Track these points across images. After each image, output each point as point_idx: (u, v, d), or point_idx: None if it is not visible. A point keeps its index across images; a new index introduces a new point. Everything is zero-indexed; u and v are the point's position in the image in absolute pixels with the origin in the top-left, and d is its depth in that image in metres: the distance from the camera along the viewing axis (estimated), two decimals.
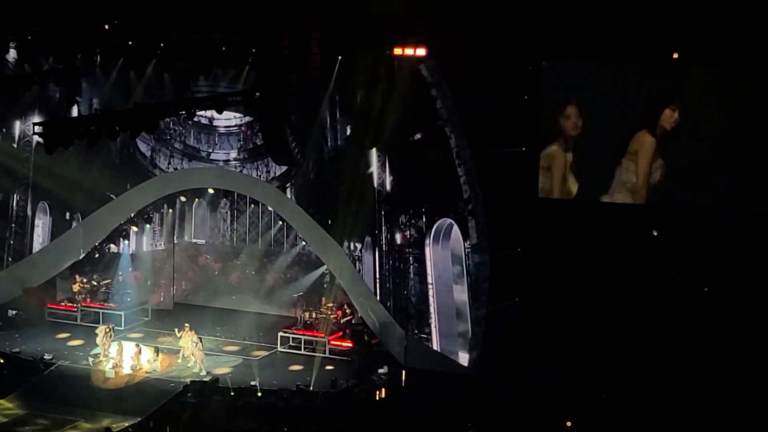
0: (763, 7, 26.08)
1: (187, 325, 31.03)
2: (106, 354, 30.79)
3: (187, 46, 29.92)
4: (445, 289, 32.41)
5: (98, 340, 31.16)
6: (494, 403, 27.97)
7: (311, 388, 28.91)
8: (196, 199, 36.96)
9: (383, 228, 33.01)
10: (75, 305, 34.85)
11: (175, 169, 37.27)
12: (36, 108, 34.56)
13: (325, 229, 33.42)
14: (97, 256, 36.13)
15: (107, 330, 31.25)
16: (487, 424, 26.58)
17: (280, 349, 32.56)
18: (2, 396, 28.60)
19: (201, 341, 30.66)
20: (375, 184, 32.65)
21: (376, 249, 33.37)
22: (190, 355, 30.45)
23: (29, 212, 36.81)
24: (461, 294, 32.03)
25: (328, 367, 30.76)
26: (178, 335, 30.92)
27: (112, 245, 36.41)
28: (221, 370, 30.43)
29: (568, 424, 25.58)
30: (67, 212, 37.04)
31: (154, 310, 35.61)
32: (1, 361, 30.43)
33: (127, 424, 26.56)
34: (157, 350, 30.70)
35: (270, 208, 35.66)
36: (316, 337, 32.17)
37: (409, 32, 28.91)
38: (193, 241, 38.01)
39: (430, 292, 32.48)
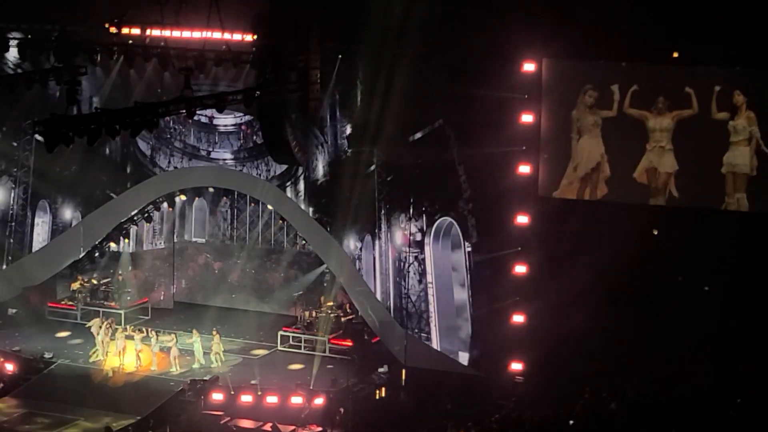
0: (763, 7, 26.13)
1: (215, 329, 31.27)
2: (107, 351, 30.85)
3: (188, 45, 29.90)
4: (445, 288, 32.41)
5: (95, 332, 31.20)
6: (494, 402, 27.97)
7: (311, 387, 28.91)
8: (196, 198, 36.97)
9: (383, 227, 33.03)
10: (75, 304, 34.89)
11: (176, 167, 37.29)
12: (36, 106, 34.56)
13: (325, 228, 33.47)
14: (97, 254, 36.15)
15: (107, 324, 31.34)
16: (487, 423, 26.57)
17: (280, 348, 32.60)
18: (2, 395, 28.62)
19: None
20: (375, 183, 32.65)
21: (376, 248, 33.39)
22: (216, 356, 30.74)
23: (29, 211, 36.82)
24: (461, 293, 32.02)
25: (328, 366, 30.78)
26: (217, 340, 30.93)
27: (112, 244, 36.43)
28: (221, 369, 30.46)
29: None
30: (68, 211, 37.07)
31: (154, 309, 35.65)
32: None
33: (126, 423, 26.57)
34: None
35: (270, 207, 35.68)
36: (316, 336, 32.20)
37: (409, 31, 28.88)
38: (193, 239, 38.03)
39: (430, 291, 32.49)
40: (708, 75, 27.84)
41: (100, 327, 31.30)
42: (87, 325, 31.94)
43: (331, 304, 33.40)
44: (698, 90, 27.97)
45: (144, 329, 31.56)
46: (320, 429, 27.00)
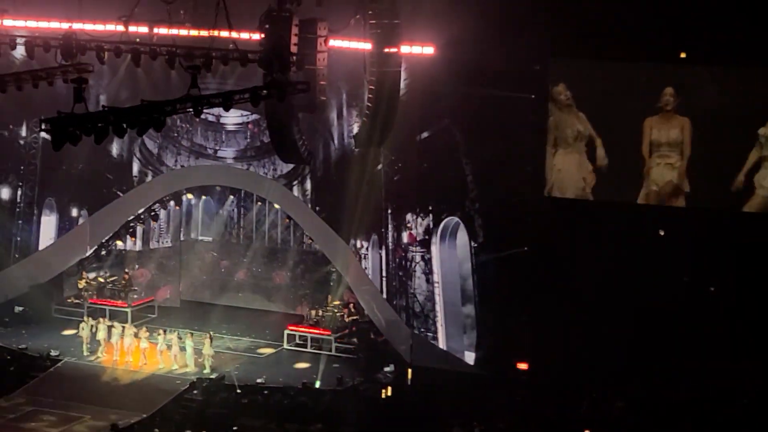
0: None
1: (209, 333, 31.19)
2: (104, 350, 30.97)
3: (195, 43, 29.93)
4: (451, 288, 32.38)
5: (85, 335, 31.26)
6: (500, 401, 27.95)
7: (317, 386, 28.91)
8: (203, 197, 37.00)
9: (390, 226, 33.02)
10: (81, 302, 34.96)
11: (182, 166, 37.33)
12: (43, 104, 34.59)
13: (331, 227, 33.47)
14: (103, 253, 36.23)
15: (104, 325, 31.46)
16: (493, 423, 26.57)
17: (286, 346, 32.61)
18: (9, 392, 28.67)
19: (211, 338, 30.77)
20: (382, 183, 32.64)
21: (383, 247, 33.38)
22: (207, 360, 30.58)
23: (36, 209, 36.91)
24: (467, 293, 31.99)
25: (334, 365, 30.79)
26: (207, 343, 30.76)
27: (119, 242, 36.53)
28: (227, 368, 30.47)
29: None
30: (74, 208, 37.14)
31: (161, 307, 35.71)
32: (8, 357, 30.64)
33: (133, 421, 26.60)
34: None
35: (276, 206, 35.70)
36: (323, 334, 32.22)
37: (416, 30, 28.85)
38: (200, 238, 38.06)
39: (437, 291, 32.46)
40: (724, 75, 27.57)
41: (92, 329, 31.40)
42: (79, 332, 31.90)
43: (337, 303, 33.44)
44: (716, 90, 27.58)
45: (147, 327, 31.65)
46: (324, 427, 26.97)
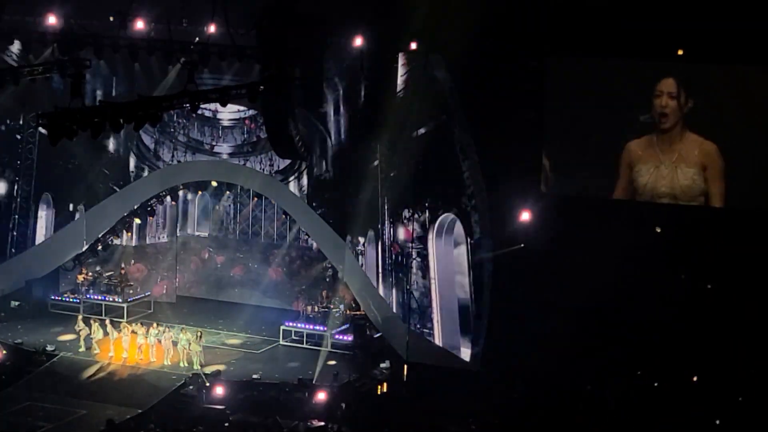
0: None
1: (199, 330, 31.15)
2: (95, 342, 30.98)
3: (192, 39, 29.92)
4: (447, 284, 32.38)
5: (83, 334, 31.24)
6: (496, 398, 27.97)
7: (313, 382, 28.92)
8: (199, 192, 36.98)
9: (386, 222, 33.02)
10: (78, 297, 34.96)
11: (179, 161, 37.32)
12: (40, 99, 34.59)
13: (328, 223, 33.48)
14: (100, 247, 36.20)
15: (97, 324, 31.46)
16: (488, 420, 26.58)
17: (282, 342, 32.60)
18: (5, 386, 28.66)
19: (201, 335, 30.74)
20: (378, 179, 32.63)
21: (379, 243, 33.38)
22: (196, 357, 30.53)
23: (33, 203, 36.89)
24: (464, 289, 32.00)
25: (330, 361, 30.78)
26: (195, 340, 30.67)
27: (115, 237, 36.51)
28: (223, 364, 30.49)
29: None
30: (71, 203, 37.11)
31: (157, 303, 35.70)
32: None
33: (128, 416, 26.60)
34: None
35: (273, 202, 35.69)
36: (319, 330, 32.22)
37: (413, 26, 28.87)
38: (196, 233, 38.05)
39: (433, 287, 32.46)
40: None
41: (86, 325, 31.40)
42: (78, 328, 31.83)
43: (333, 299, 33.42)
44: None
45: (143, 322, 31.63)
46: (322, 424, 26.99)
